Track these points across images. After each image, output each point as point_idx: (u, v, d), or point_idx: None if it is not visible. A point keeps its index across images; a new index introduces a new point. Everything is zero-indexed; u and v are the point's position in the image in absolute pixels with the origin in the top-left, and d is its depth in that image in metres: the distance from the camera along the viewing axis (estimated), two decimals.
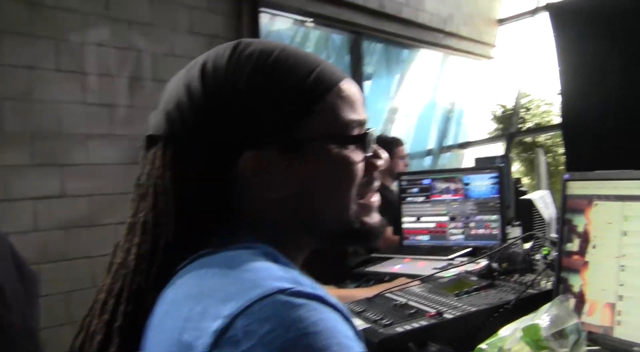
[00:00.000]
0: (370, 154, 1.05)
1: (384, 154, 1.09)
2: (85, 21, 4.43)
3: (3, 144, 3.95)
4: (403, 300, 1.84)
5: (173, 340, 0.77)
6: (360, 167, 1.01)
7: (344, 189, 1.00)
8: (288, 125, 0.95)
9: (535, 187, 4.84)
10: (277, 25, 6.59)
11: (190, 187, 0.95)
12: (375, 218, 1.07)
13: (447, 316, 1.65)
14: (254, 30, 5.70)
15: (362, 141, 1.01)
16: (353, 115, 1.01)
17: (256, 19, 5.76)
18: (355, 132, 1.01)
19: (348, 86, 1.02)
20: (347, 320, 0.78)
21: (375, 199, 1.09)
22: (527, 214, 2.87)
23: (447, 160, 9.67)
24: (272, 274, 0.80)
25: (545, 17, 7.98)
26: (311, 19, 6.79)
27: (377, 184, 1.09)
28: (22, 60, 4.07)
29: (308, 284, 0.79)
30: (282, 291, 0.74)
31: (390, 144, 4.98)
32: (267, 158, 0.94)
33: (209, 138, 0.94)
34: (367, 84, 8.12)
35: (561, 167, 11.67)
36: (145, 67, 4.80)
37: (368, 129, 1.04)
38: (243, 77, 0.94)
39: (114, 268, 0.97)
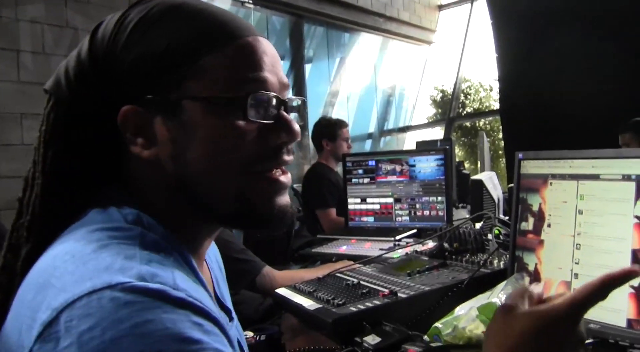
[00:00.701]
0: (268, 122, 0.91)
1: (294, 126, 0.94)
2: None
3: None
4: (355, 280, 1.82)
5: (15, 326, 0.74)
6: (248, 135, 0.89)
7: (223, 158, 0.89)
8: (164, 83, 0.87)
9: (477, 171, 4.89)
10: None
11: (66, 141, 0.91)
12: (281, 200, 0.95)
13: (401, 295, 1.63)
14: None
15: (243, 104, 0.88)
16: (246, 76, 0.89)
17: None
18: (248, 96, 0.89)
19: (250, 45, 0.91)
20: (202, 314, 0.72)
21: (283, 179, 0.95)
22: (477, 194, 2.87)
23: (387, 144, 9.73)
24: (114, 265, 0.72)
25: (484, 4, 8.08)
26: (251, 1, 6.73)
27: (285, 158, 0.95)
28: None
29: (148, 275, 0.72)
30: (113, 286, 0.68)
31: (334, 125, 4.95)
32: (143, 115, 0.88)
33: (88, 94, 0.90)
34: (307, 67, 8.11)
35: (500, 152, 11.87)
36: None
37: (262, 93, 0.90)
38: (126, 32, 0.89)
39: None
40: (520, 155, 1.67)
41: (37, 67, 4.40)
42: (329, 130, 4.89)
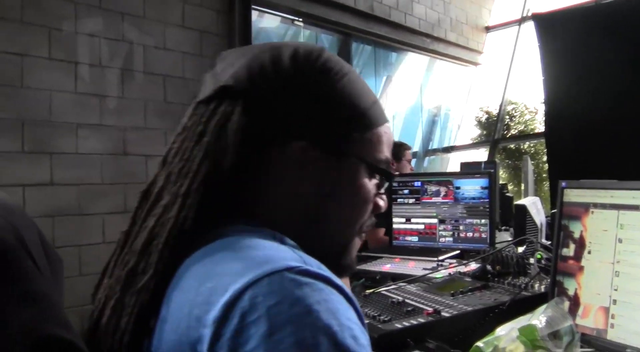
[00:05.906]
0: (381, 193, 1.10)
1: (385, 201, 1.12)
2: (78, 11, 4.44)
3: None
4: (400, 298, 1.88)
5: (184, 314, 0.81)
6: (372, 200, 1.08)
7: (354, 211, 1.06)
8: (341, 134, 1.01)
9: (521, 193, 4.90)
10: (265, 23, 6.60)
11: (246, 145, 0.96)
12: (354, 254, 1.11)
13: (445, 314, 1.69)
14: (245, 27, 5.70)
15: (384, 178, 1.08)
16: (386, 155, 1.07)
17: (248, 16, 5.76)
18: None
19: (389, 129, 1.10)
20: (351, 303, 0.82)
21: (361, 237, 1.12)
22: (520, 219, 2.91)
23: (431, 163, 9.74)
24: (281, 254, 0.83)
25: (531, 27, 8.06)
26: (300, 19, 6.82)
27: (371, 223, 1.12)
28: (14, 47, 4.08)
29: (315, 264, 0.82)
30: (290, 269, 0.78)
31: (399, 147, 5.15)
32: (312, 154, 0.99)
33: (279, 107, 0.98)
34: None
35: (544, 175, 11.78)
36: (137, 59, 4.82)
37: (394, 172, 1.11)
38: (328, 81, 1.01)
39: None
40: (563, 184, 1.73)
41: (93, 79, 4.53)
42: (395, 151, 4.97)
